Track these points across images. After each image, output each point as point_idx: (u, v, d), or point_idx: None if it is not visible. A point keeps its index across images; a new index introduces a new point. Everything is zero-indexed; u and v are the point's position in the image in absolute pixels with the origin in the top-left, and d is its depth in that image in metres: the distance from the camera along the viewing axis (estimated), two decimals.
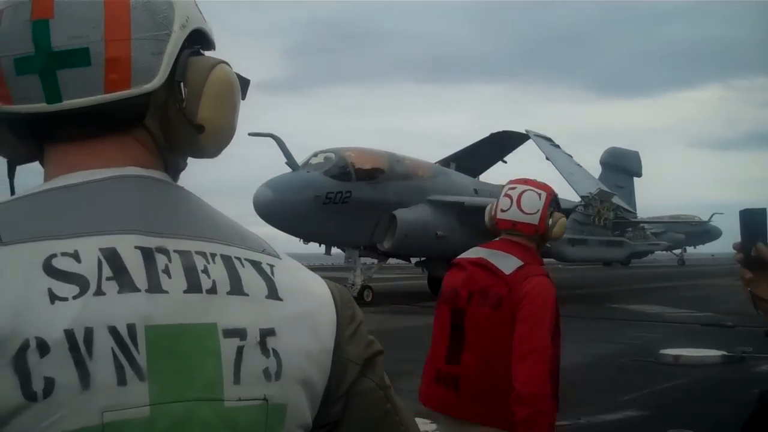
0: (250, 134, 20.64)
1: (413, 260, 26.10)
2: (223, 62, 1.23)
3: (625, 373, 11.44)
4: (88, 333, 0.99)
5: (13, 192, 1.25)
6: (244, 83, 1.29)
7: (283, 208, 20.08)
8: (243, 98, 1.28)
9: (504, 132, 28.03)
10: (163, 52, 1.17)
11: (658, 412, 8.82)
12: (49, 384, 0.96)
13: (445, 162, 27.44)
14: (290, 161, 21.39)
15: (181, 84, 1.19)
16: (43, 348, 0.97)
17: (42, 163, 1.23)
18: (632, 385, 10.30)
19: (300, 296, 1.20)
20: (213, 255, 1.14)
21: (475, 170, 28.52)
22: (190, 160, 1.31)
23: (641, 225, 49.02)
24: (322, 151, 21.99)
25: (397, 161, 23.18)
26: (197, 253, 1.12)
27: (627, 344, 14.34)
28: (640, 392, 9.88)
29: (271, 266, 1.20)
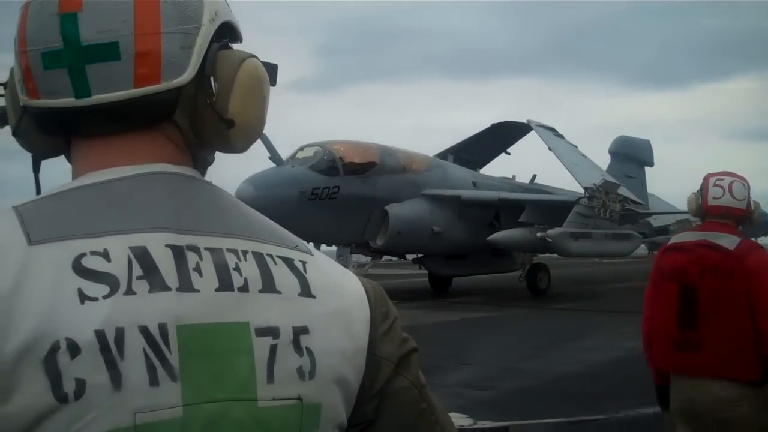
0: None
1: (409, 257, 25.23)
2: (253, 56, 1.23)
3: None
4: (119, 333, 0.99)
5: (38, 187, 1.27)
6: (273, 69, 1.28)
7: (266, 205, 19.32)
8: (273, 84, 1.28)
9: (505, 123, 27.45)
10: (192, 46, 1.17)
11: None
12: (81, 385, 0.96)
13: (443, 155, 26.81)
14: (274, 156, 20.79)
15: (211, 78, 1.19)
16: (74, 349, 0.97)
17: (68, 158, 1.24)
18: None
19: (333, 293, 1.20)
20: (245, 252, 1.14)
21: (476, 162, 27.96)
22: None
23: (686, 218, 48.18)
24: (308, 145, 21.47)
25: (389, 154, 22.62)
26: (229, 250, 1.12)
27: None
28: None
29: (304, 263, 1.20)
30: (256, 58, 1.24)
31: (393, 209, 21.58)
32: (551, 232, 21.63)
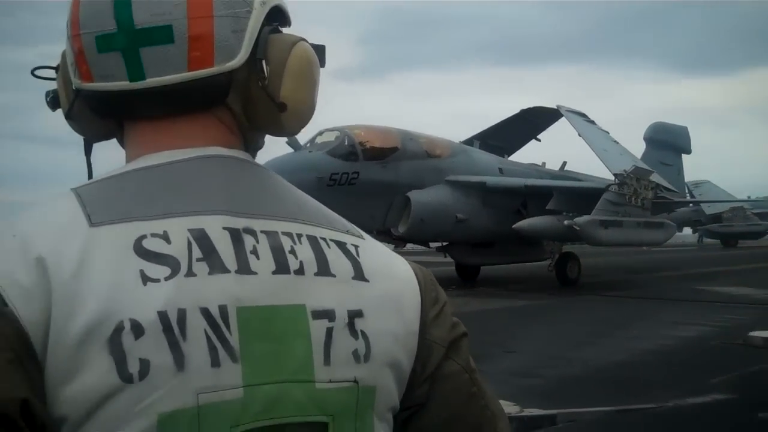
0: None
1: (433, 245, 24.65)
2: (303, 39, 1.25)
3: (712, 356, 11.36)
4: (181, 314, 1.01)
5: (90, 170, 1.31)
6: (321, 50, 1.29)
7: None
8: (322, 65, 1.29)
9: (534, 108, 27.12)
10: (244, 30, 1.18)
11: (747, 395, 8.69)
12: (145, 366, 0.98)
13: (469, 141, 26.47)
14: (291, 140, 20.20)
15: (263, 61, 1.20)
16: (138, 330, 0.99)
17: (120, 141, 1.27)
18: (720, 368, 10.18)
19: (385, 277, 1.22)
20: (299, 235, 1.16)
21: (505, 149, 27.56)
22: None
23: (740, 206, 47.86)
24: (328, 130, 21.09)
25: (411, 139, 22.26)
26: (284, 233, 1.14)
27: (715, 327, 14.28)
28: (728, 375, 9.72)
29: (356, 246, 1.22)
30: (306, 41, 1.25)
31: (415, 196, 21.17)
32: (579, 219, 21.09)
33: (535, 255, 24.64)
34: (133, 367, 0.98)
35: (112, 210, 1.07)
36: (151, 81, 1.15)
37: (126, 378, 0.97)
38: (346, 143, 20.49)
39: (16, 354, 0.97)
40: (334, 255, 1.17)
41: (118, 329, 0.98)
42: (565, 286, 22.67)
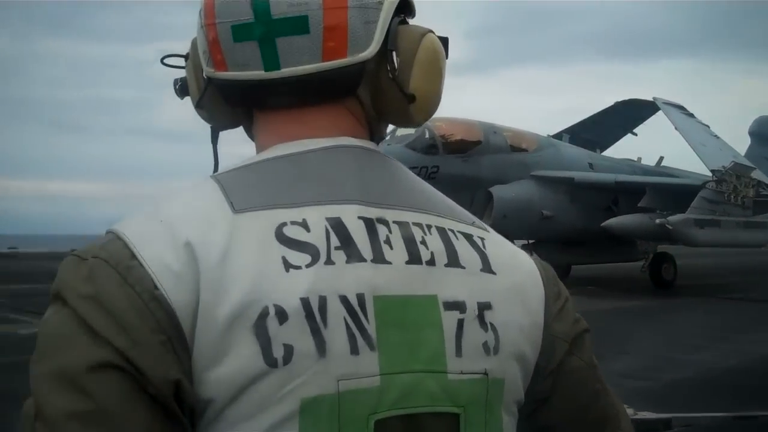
0: None
1: (518, 243, 23.91)
2: (431, 31, 1.27)
3: None
4: (322, 302, 1.04)
5: (216, 157, 1.35)
6: (444, 42, 1.30)
7: None
8: (446, 57, 1.30)
9: (630, 101, 26.74)
10: (376, 21, 1.21)
11: None
12: (288, 351, 1.01)
13: (558, 135, 26.17)
14: None
15: (393, 53, 1.23)
16: (282, 315, 1.02)
17: (247, 130, 1.31)
18: None
19: (511, 270, 1.24)
20: (429, 226, 1.19)
21: (598, 143, 27.12)
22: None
23: None
24: None
25: (495, 132, 22.01)
26: (414, 224, 1.17)
27: None
28: None
29: (482, 239, 1.24)
30: (434, 33, 1.27)
31: (498, 191, 20.81)
32: (672, 218, 20.32)
33: (628, 255, 23.90)
34: (278, 352, 1.01)
35: (253, 197, 1.11)
36: (286, 71, 1.18)
37: (271, 362, 1.01)
38: (426, 136, 20.16)
39: (168, 336, 1.01)
40: (462, 247, 1.19)
41: (263, 315, 1.01)
42: (660, 289, 21.78)
